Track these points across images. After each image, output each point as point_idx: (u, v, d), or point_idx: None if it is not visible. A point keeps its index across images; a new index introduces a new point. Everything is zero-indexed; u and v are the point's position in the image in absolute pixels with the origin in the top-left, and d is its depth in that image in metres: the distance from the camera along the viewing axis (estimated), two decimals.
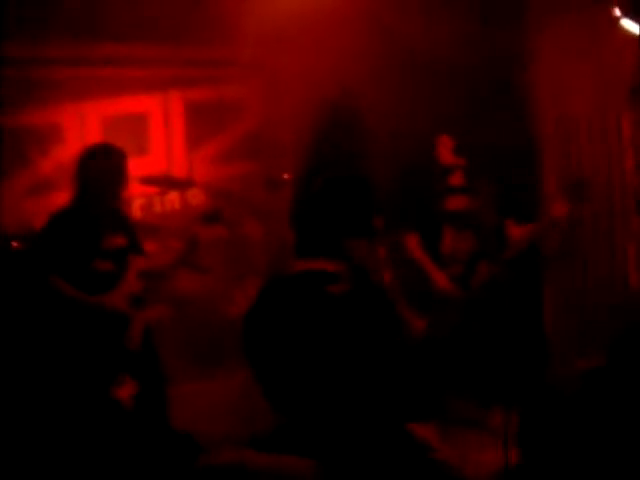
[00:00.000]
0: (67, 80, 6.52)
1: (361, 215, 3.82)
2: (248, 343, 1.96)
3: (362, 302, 1.86)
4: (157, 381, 4.93)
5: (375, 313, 1.87)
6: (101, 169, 4.89)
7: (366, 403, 1.86)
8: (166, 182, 6.66)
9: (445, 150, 5.54)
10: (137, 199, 6.66)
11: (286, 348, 1.86)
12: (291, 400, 1.88)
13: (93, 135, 6.64)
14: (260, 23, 6.39)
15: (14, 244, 5.44)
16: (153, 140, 7.02)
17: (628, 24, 5.39)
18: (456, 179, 5.58)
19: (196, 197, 7.07)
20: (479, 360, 5.48)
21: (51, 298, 4.62)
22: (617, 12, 5.38)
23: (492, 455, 4.68)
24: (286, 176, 6.97)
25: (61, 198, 6.00)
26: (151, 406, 4.84)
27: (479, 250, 5.54)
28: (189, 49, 6.89)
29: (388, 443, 1.91)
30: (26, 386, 4.95)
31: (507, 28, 5.99)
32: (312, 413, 1.86)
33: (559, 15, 5.79)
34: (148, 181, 6.11)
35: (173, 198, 7.01)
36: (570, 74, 5.79)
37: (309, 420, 1.86)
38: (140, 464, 4.62)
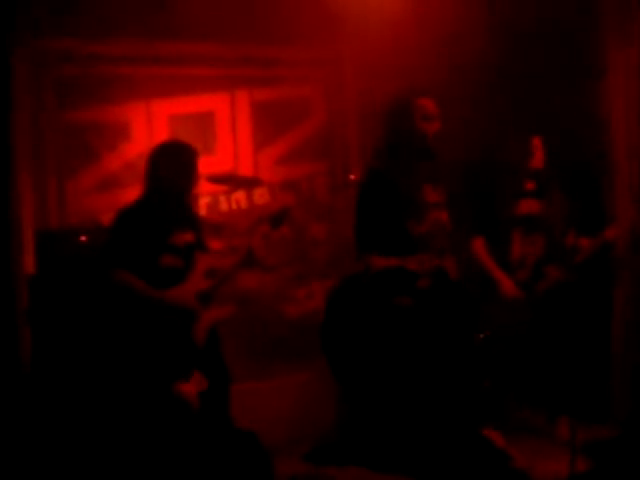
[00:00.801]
0: (135, 78, 6.58)
1: None
2: (326, 342, 1.96)
3: (443, 298, 1.84)
4: (222, 379, 4.93)
5: (455, 308, 1.85)
6: (172, 165, 4.92)
7: (441, 406, 1.84)
8: (232, 181, 6.66)
9: (538, 153, 5.47)
10: (203, 197, 6.69)
11: (364, 348, 1.85)
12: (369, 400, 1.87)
13: (160, 133, 6.68)
14: (327, 22, 6.39)
15: (82, 238, 5.48)
16: (220, 139, 7.04)
17: None
18: (531, 183, 5.50)
19: (262, 196, 7.07)
20: (546, 367, 5.40)
21: (119, 292, 4.64)
22: None
23: (558, 465, 4.60)
24: (352, 177, 6.94)
25: (128, 194, 6.06)
26: (216, 404, 4.84)
27: (547, 255, 5.46)
28: (256, 48, 6.92)
29: (466, 448, 1.88)
30: (94, 379, 5.00)
31: (584, 39, 5.91)
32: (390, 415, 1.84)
33: (633, 16, 5.66)
34: (215, 179, 6.11)
35: (239, 197, 7.01)
36: None
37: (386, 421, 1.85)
38: (205, 462, 4.63)
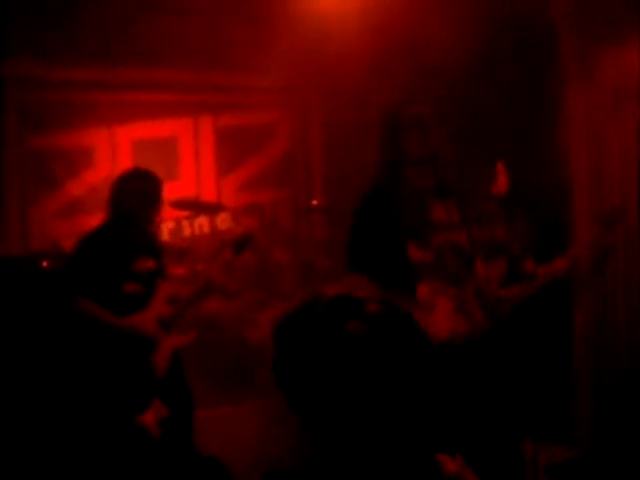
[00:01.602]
0: (98, 103, 6.58)
1: None
2: (276, 369, 1.96)
3: (385, 334, 1.85)
4: (185, 405, 4.91)
5: (400, 344, 1.86)
6: (136, 193, 4.92)
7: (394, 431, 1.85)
8: (195, 206, 6.67)
9: (502, 177, 5.50)
10: (166, 222, 6.67)
11: (311, 377, 1.86)
12: (320, 423, 1.87)
13: (124, 158, 6.68)
14: (290, 48, 6.42)
15: (44, 264, 5.45)
16: (183, 164, 7.05)
17: None
18: (492, 207, 5.54)
19: (225, 222, 7.08)
20: (507, 388, 5.43)
21: (80, 319, 4.62)
22: None
23: None
24: (315, 202, 6.97)
25: (91, 220, 6.04)
26: (179, 431, 4.82)
27: (509, 279, 5.50)
28: (220, 74, 6.93)
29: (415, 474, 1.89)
30: (52, 407, 4.95)
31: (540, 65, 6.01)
32: (341, 436, 1.85)
33: (590, 44, 5.76)
34: (177, 205, 6.13)
35: (202, 222, 7.01)
36: (601, 103, 5.76)
37: (338, 445, 1.86)
38: None
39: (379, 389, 1.83)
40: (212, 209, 6.85)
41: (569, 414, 5.83)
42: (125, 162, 6.65)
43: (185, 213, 6.69)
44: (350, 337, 1.83)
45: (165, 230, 6.72)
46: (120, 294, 4.71)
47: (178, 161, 7.03)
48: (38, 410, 4.95)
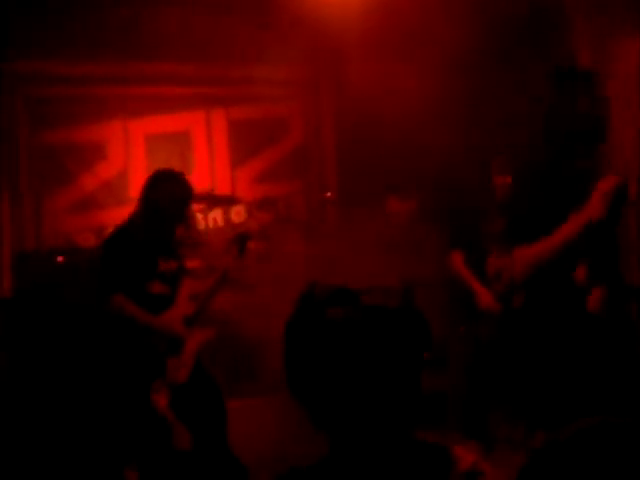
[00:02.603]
0: (111, 98, 6.59)
1: None
2: (286, 361, 1.96)
3: (366, 322, 1.85)
4: (214, 398, 4.93)
5: (388, 333, 1.86)
6: (171, 195, 4.86)
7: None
8: (209, 199, 6.67)
9: (500, 170, 5.51)
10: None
11: (322, 372, 1.86)
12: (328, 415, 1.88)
13: (137, 153, 6.69)
14: (303, 41, 6.41)
15: (59, 259, 5.46)
16: (196, 157, 7.05)
17: None
18: (503, 199, 5.53)
19: (239, 214, 7.07)
20: (524, 380, 5.43)
21: (117, 318, 4.63)
22: None
23: None
24: (329, 194, 6.96)
25: (105, 215, 6.06)
26: (214, 425, 4.86)
27: None
28: (232, 67, 6.94)
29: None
30: (70, 403, 4.98)
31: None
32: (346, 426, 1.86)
33: (600, 32, 5.76)
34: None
35: (216, 215, 7.02)
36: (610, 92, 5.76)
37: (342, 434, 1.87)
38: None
39: (379, 378, 1.83)
40: (226, 202, 6.85)
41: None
42: (138, 156, 6.66)
43: (199, 206, 6.69)
44: (340, 325, 1.83)
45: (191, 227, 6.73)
46: (146, 294, 4.72)
47: (191, 154, 7.03)
48: (57, 404, 4.99)
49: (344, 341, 1.83)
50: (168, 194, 4.82)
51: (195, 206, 6.55)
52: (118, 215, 5.45)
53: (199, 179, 6.98)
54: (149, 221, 4.81)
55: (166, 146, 6.81)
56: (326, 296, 1.90)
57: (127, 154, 6.70)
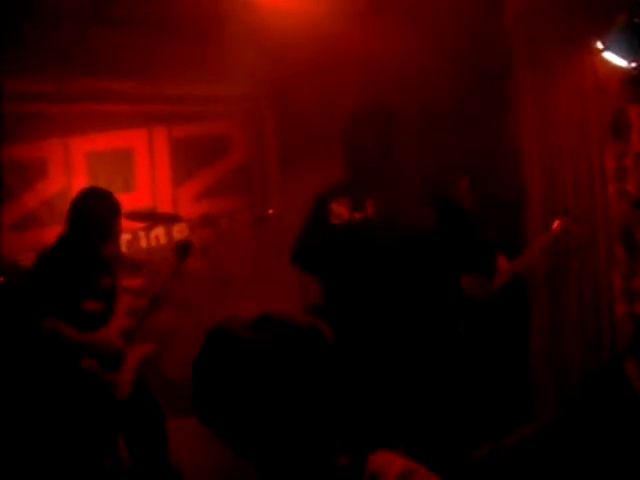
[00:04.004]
0: (52, 115, 6.55)
1: None
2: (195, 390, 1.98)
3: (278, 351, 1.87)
4: (155, 416, 4.91)
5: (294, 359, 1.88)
6: (94, 212, 4.86)
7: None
8: (152, 217, 6.64)
9: (466, 194, 5.60)
10: (123, 234, 6.62)
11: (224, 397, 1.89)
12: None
13: (78, 170, 6.66)
14: (246, 59, 6.42)
15: (0, 279, 5.41)
16: (138, 175, 7.04)
17: (610, 57, 5.44)
18: None
19: (181, 232, 7.06)
20: (466, 392, 5.50)
21: (49, 340, 4.59)
22: (600, 45, 5.44)
23: None
24: (271, 211, 6.97)
25: (46, 234, 6.00)
26: (153, 443, 4.83)
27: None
28: (173, 85, 6.93)
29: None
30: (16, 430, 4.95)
31: (492, 68, 6.08)
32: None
33: (542, 50, 5.85)
34: (134, 216, 6.09)
35: (159, 233, 7.00)
36: (554, 107, 5.85)
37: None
38: None
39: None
40: (168, 220, 6.84)
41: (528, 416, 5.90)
42: (80, 174, 6.63)
43: (141, 224, 6.66)
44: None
45: (122, 242, 6.66)
46: (80, 312, 4.69)
47: (133, 172, 7.02)
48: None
49: (249, 363, 1.85)
50: (93, 211, 4.83)
51: (137, 224, 6.54)
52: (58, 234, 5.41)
53: (141, 197, 6.98)
54: (76, 239, 4.81)
55: (108, 164, 6.79)
56: (241, 323, 1.92)
57: (68, 172, 6.66)
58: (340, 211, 3.85)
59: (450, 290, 3.91)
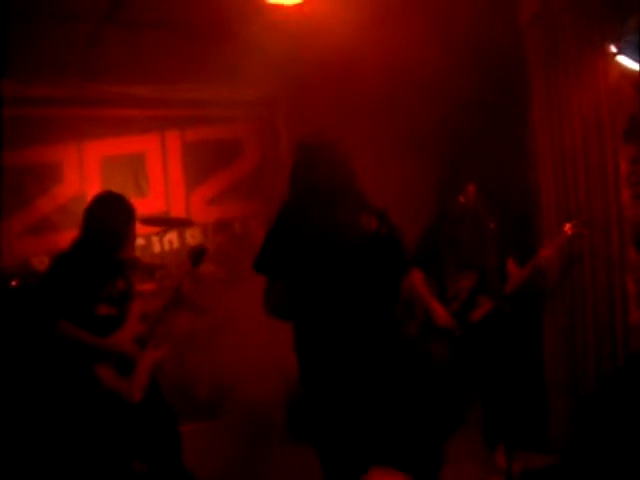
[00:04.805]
0: (67, 120, 6.57)
1: None
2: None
3: None
4: (168, 419, 4.91)
5: None
6: (108, 217, 4.86)
7: None
8: (165, 222, 6.66)
9: (472, 198, 5.62)
10: (136, 239, 6.64)
11: None
12: None
13: (92, 175, 6.67)
14: (259, 63, 6.43)
15: (13, 283, 5.42)
16: (152, 180, 7.05)
17: (624, 60, 5.43)
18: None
19: (194, 237, 7.07)
20: (482, 395, 5.51)
21: (58, 341, 4.60)
22: (613, 49, 5.42)
23: None
24: None
25: (61, 238, 6.02)
26: (167, 446, 4.84)
27: (479, 287, 5.59)
28: (187, 89, 6.93)
29: None
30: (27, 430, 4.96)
31: (506, 69, 6.07)
32: None
33: (556, 53, 5.83)
34: (147, 221, 6.10)
35: (172, 238, 7.00)
36: (568, 110, 5.83)
37: None
38: None
39: None
40: (181, 224, 6.84)
41: (544, 421, 5.88)
42: (94, 178, 6.65)
43: (155, 229, 6.67)
44: None
45: (135, 247, 6.68)
46: (93, 316, 4.69)
47: (147, 177, 7.03)
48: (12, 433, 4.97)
49: None
50: (108, 215, 4.83)
51: (151, 229, 6.55)
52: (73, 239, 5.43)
53: (154, 201, 6.99)
54: (91, 243, 4.81)
55: (122, 168, 6.80)
56: None
57: (83, 176, 6.68)
58: (301, 221, 4.21)
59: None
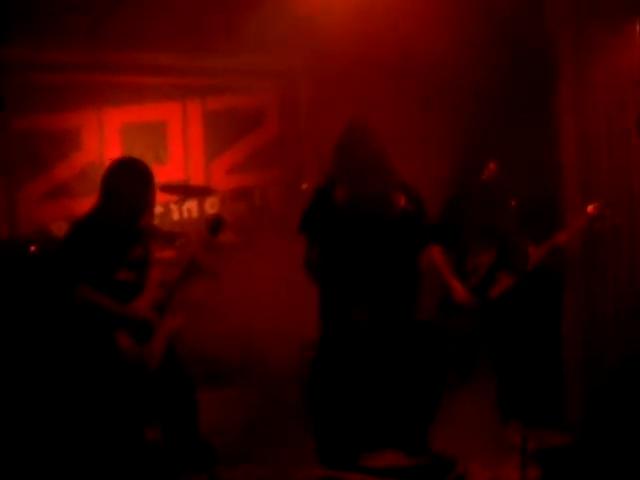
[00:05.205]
0: (87, 86, 6.55)
1: None
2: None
3: None
4: (186, 386, 4.92)
5: None
6: (128, 182, 4.83)
7: None
8: (184, 190, 6.63)
9: (492, 174, 5.60)
10: (155, 207, 6.62)
11: None
12: None
13: (112, 142, 6.66)
14: (281, 32, 6.39)
15: (32, 248, 5.42)
16: (171, 148, 7.03)
17: None
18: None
19: (214, 205, 7.06)
20: (497, 371, 5.51)
21: (77, 307, 4.60)
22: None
23: (510, 471, 4.65)
24: (305, 186, 6.93)
25: (79, 204, 6.01)
26: (184, 413, 4.85)
27: (498, 263, 5.58)
28: (208, 57, 6.90)
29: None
30: (43, 394, 4.97)
31: (534, 50, 6.01)
32: None
33: (583, 32, 5.78)
34: (166, 189, 6.09)
35: (191, 206, 7.00)
36: (592, 90, 5.79)
37: None
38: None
39: None
40: (201, 193, 6.82)
41: (560, 399, 5.87)
42: (113, 145, 6.63)
43: (174, 197, 6.65)
44: None
45: (155, 214, 6.67)
46: (114, 282, 4.69)
47: (167, 145, 7.01)
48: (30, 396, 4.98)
49: None
50: (127, 181, 4.81)
51: (170, 197, 6.53)
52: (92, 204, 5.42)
53: (174, 169, 6.99)
54: (110, 209, 4.79)
55: (141, 136, 6.77)
56: None
57: (102, 143, 6.66)
58: (341, 194, 4.73)
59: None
